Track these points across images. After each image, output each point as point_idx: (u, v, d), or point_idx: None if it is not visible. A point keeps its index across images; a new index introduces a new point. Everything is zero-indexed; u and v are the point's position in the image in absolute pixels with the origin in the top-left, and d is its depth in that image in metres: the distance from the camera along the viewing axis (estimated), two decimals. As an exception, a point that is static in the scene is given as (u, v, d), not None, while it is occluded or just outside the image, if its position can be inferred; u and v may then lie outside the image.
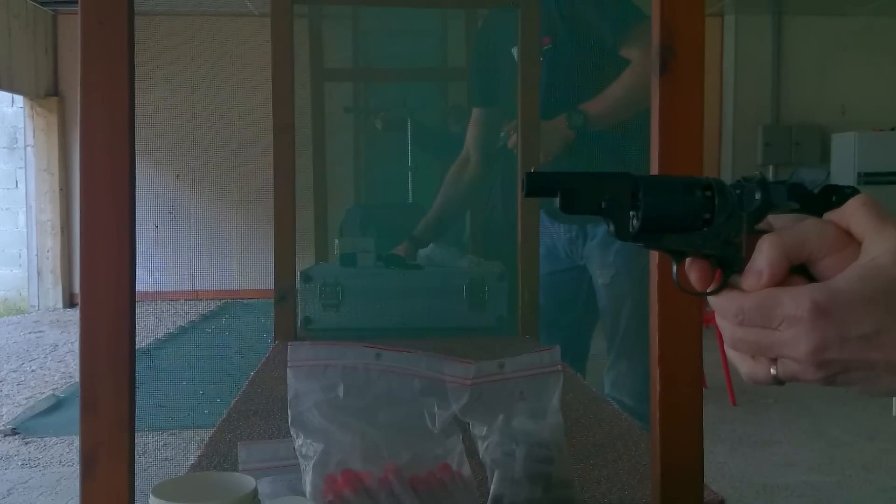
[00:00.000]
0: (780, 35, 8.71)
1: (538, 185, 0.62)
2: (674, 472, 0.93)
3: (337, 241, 2.51)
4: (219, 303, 8.48)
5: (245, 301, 8.27)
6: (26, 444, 4.08)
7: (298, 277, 2.24)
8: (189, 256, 8.81)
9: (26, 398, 4.96)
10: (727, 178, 0.72)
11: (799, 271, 0.58)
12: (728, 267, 0.60)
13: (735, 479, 3.51)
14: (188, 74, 8.48)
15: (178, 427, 4.23)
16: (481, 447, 0.91)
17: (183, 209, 8.78)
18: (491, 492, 0.89)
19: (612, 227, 0.62)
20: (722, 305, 0.59)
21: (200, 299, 8.69)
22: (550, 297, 2.46)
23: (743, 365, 0.60)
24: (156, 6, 7.93)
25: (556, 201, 0.62)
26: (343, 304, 2.28)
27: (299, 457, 0.84)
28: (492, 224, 3.65)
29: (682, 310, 0.92)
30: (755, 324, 0.57)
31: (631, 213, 0.61)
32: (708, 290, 0.61)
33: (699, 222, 0.60)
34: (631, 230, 0.61)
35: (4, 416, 4.53)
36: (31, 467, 3.75)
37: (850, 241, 0.57)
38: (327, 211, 3.66)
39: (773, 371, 0.58)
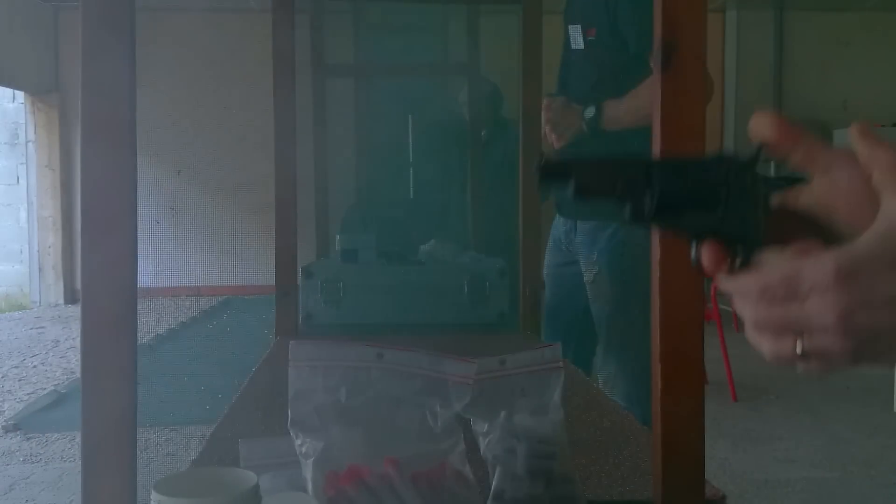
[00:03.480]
0: (782, 31, 8.70)
1: (551, 171, 0.61)
2: (675, 467, 0.93)
3: (338, 236, 2.51)
4: (220, 298, 8.48)
5: (246, 297, 8.28)
6: (28, 439, 4.08)
7: (300, 273, 2.24)
8: (191, 252, 8.81)
9: (28, 394, 4.96)
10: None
11: (819, 241, 0.57)
12: (747, 246, 0.59)
13: (736, 475, 3.51)
14: (189, 70, 8.48)
15: (180, 423, 4.23)
16: (483, 443, 0.91)
17: (184, 205, 8.79)
18: (492, 488, 0.89)
19: (627, 211, 0.61)
20: (744, 286, 0.57)
21: (202, 295, 8.70)
22: (555, 290, 2.46)
23: (766, 345, 0.58)
24: (157, 2, 7.93)
25: (569, 187, 0.61)
26: (344, 300, 2.28)
27: (299, 455, 0.84)
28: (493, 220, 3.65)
29: (682, 306, 0.92)
30: (782, 298, 0.56)
31: (646, 194, 0.60)
32: (728, 271, 0.60)
33: (715, 200, 0.59)
34: (647, 212, 0.60)
35: (6, 412, 4.54)
36: (33, 463, 3.76)
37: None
38: (329, 207, 3.66)
39: (798, 349, 0.56)
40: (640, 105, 2.22)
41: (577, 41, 2.35)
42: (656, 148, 0.93)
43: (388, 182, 5.44)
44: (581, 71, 2.37)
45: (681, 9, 0.90)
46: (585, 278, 2.36)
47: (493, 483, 0.89)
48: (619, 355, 2.28)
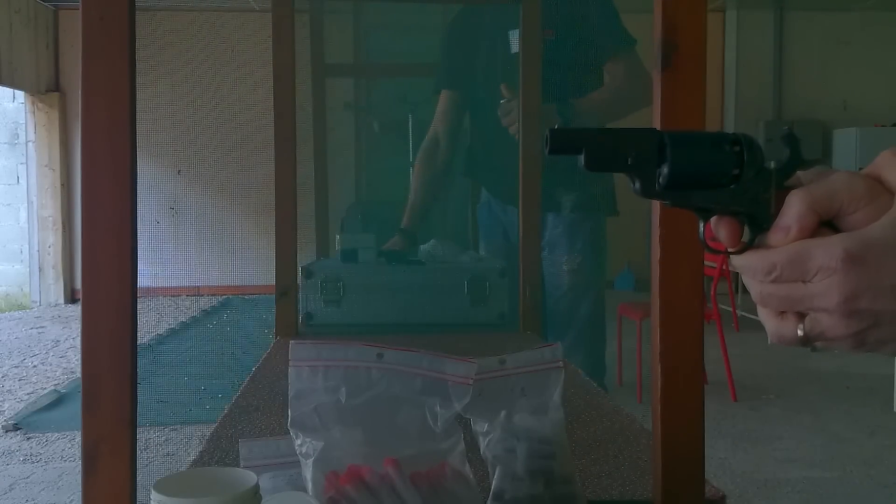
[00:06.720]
0: (782, 30, 8.70)
1: (562, 143, 0.60)
2: (675, 467, 0.93)
3: (338, 236, 2.51)
4: (220, 298, 8.48)
5: (246, 297, 8.28)
6: (28, 439, 4.08)
7: (300, 273, 2.23)
8: (191, 252, 8.81)
9: (28, 394, 4.97)
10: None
11: (827, 226, 0.56)
12: (756, 224, 0.58)
13: (736, 475, 3.51)
14: (189, 70, 8.47)
15: (180, 422, 4.23)
16: (483, 443, 0.91)
17: (184, 205, 8.79)
18: (492, 488, 0.88)
19: (637, 185, 0.60)
20: (752, 264, 0.57)
21: (202, 295, 8.70)
22: None
23: (769, 322, 0.58)
24: (157, 2, 7.93)
25: (580, 159, 0.60)
26: (344, 300, 2.28)
27: (299, 455, 0.84)
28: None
29: (683, 305, 0.92)
30: (789, 279, 0.55)
31: (657, 169, 0.59)
32: (736, 249, 0.59)
33: (727, 178, 0.59)
34: (657, 187, 0.59)
35: (6, 412, 4.54)
36: (33, 462, 3.76)
37: (881, 193, 0.56)
38: (328, 206, 3.66)
39: (799, 331, 0.56)
40: (602, 105, 2.44)
41: None
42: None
43: (388, 182, 5.44)
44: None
45: (681, 8, 0.90)
46: (566, 267, 2.50)
47: (493, 483, 0.89)
48: (590, 343, 2.50)
